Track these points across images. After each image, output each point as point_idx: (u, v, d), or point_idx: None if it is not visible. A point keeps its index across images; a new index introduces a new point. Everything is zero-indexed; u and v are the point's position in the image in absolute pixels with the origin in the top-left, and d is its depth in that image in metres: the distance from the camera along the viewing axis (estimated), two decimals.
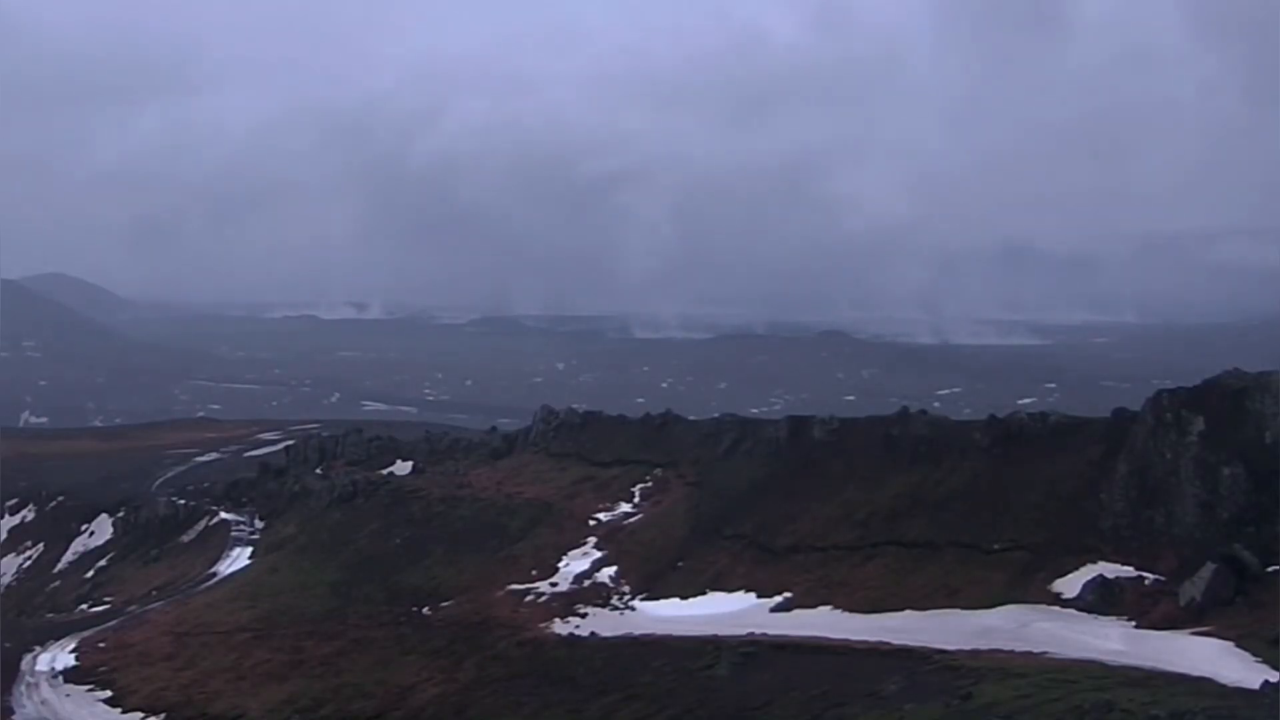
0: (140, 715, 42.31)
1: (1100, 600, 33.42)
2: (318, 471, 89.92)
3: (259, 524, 77.69)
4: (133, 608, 63.76)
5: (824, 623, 37.69)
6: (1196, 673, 24.34)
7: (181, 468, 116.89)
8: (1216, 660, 25.83)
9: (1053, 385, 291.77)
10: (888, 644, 31.89)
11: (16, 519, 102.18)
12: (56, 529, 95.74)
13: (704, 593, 45.82)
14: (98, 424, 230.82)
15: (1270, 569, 31.20)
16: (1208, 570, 31.37)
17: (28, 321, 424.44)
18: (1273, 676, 22.62)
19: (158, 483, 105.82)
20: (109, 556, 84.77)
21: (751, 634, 36.14)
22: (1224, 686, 22.90)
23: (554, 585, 51.21)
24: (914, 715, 22.80)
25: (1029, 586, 35.82)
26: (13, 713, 42.94)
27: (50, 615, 71.40)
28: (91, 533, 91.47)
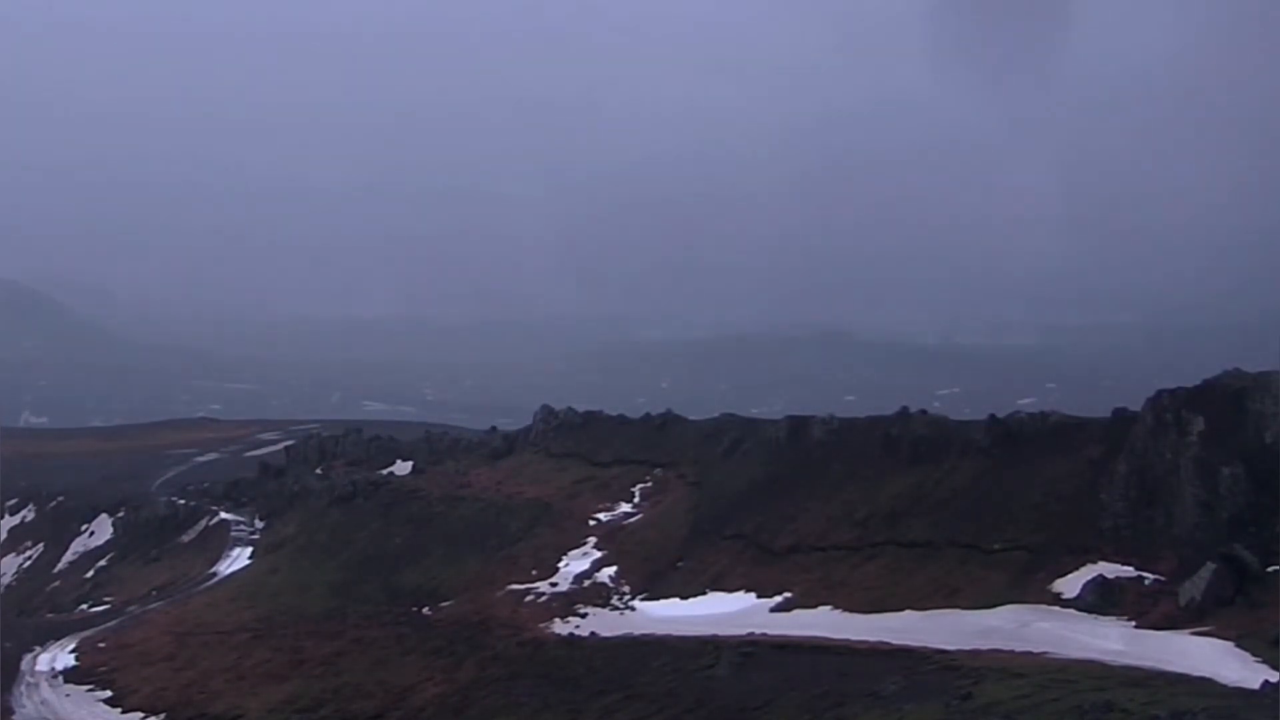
0: (140, 715, 42.39)
1: (1100, 600, 33.43)
2: (318, 471, 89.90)
3: (259, 524, 77.67)
4: (133, 608, 63.80)
5: (824, 623, 37.72)
6: (1196, 673, 24.39)
7: (181, 468, 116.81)
8: (1216, 660, 25.87)
9: (1053, 385, 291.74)
10: (888, 644, 31.95)
11: (16, 519, 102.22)
12: (56, 529, 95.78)
13: (704, 593, 45.83)
14: (98, 424, 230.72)
15: (1270, 569, 31.21)
16: (1208, 570, 31.39)
17: (28, 321, 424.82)
18: (1273, 676, 22.66)
19: (158, 483, 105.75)
20: (109, 556, 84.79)
21: (751, 634, 36.19)
22: (1224, 686, 22.93)
23: (554, 585, 51.23)
24: (914, 715, 22.81)
25: (1029, 586, 35.83)
26: (13, 713, 42.98)
27: (50, 615, 71.41)
28: (91, 533, 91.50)
